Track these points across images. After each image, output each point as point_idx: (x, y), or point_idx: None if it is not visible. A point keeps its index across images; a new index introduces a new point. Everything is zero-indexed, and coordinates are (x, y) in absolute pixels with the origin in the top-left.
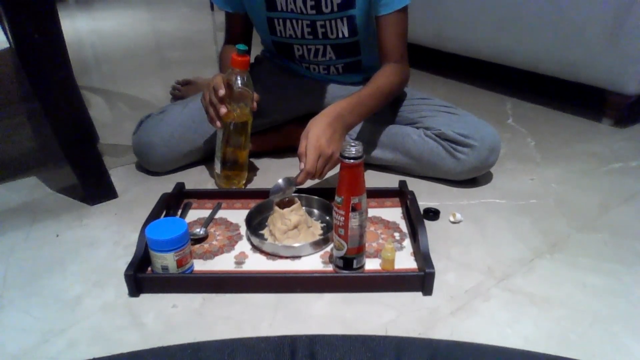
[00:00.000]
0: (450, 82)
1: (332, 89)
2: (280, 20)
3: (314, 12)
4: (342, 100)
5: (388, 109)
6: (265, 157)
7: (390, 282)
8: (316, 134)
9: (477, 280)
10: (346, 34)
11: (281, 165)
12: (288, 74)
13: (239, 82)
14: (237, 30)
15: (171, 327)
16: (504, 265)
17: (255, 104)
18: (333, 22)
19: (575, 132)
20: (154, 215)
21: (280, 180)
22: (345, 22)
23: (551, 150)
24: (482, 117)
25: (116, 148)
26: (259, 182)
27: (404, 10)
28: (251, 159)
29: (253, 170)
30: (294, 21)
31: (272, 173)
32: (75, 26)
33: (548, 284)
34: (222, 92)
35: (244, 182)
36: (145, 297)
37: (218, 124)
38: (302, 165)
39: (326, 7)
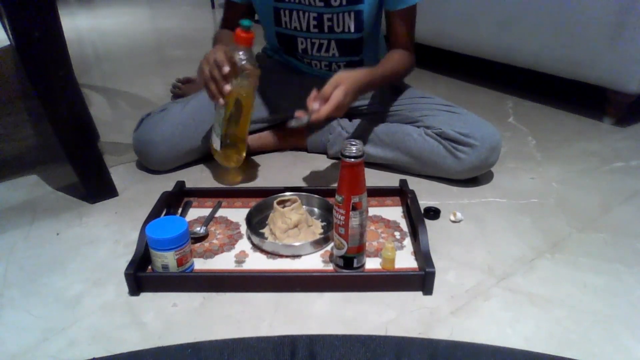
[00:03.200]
0: (451, 81)
1: None
2: (287, 11)
3: (322, 4)
4: (363, 70)
5: (388, 108)
6: (266, 155)
7: (391, 281)
8: (344, 92)
9: (478, 280)
10: (352, 29)
11: (282, 164)
12: (290, 72)
13: (244, 59)
14: (235, 21)
15: (171, 326)
16: (504, 265)
17: (257, 81)
18: (340, 15)
19: (576, 131)
20: (154, 214)
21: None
22: (352, 16)
23: (552, 149)
24: (483, 116)
25: (117, 146)
26: (259, 181)
27: (415, 4)
28: (252, 157)
29: (253, 168)
30: (301, 13)
31: (272, 171)
32: (75, 24)
33: (549, 283)
34: (226, 69)
35: (242, 158)
36: (145, 296)
37: (221, 100)
38: (316, 106)
39: (335, 0)
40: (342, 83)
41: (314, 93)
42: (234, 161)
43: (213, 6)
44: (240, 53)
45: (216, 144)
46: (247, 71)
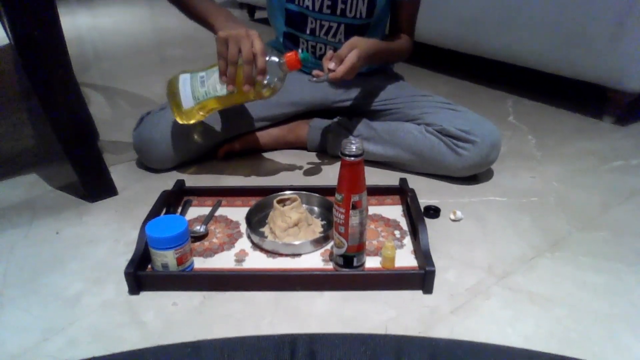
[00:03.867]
0: (451, 80)
1: (333, 87)
2: None
3: None
4: (374, 40)
5: (389, 106)
6: (266, 154)
7: (391, 280)
8: (358, 54)
9: (478, 279)
10: (364, 14)
11: (282, 163)
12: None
13: (278, 76)
14: None
15: (171, 325)
16: (504, 264)
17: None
18: (354, 0)
19: (576, 130)
20: (154, 213)
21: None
22: (365, 2)
23: (552, 147)
24: (483, 114)
25: (116, 145)
26: (259, 180)
27: None
28: (253, 156)
29: (253, 167)
30: None
31: (272, 170)
32: (75, 23)
33: (549, 282)
34: (260, 78)
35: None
36: (145, 295)
37: (230, 87)
38: (332, 66)
39: None
40: (356, 46)
41: (329, 54)
42: (189, 120)
43: None
44: (279, 68)
45: (187, 103)
46: (272, 86)
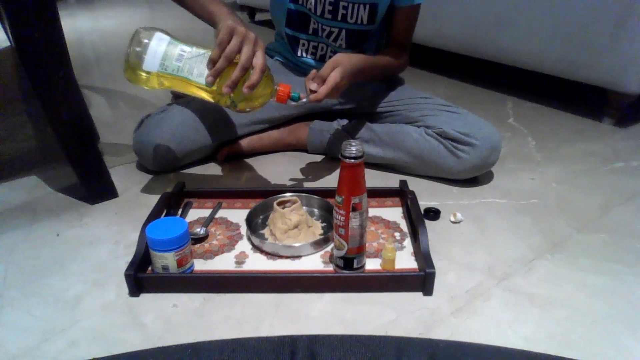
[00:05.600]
0: (451, 81)
1: None
2: None
3: None
4: (361, 56)
5: (388, 108)
6: (266, 156)
7: (391, 282)
8: (341, 74)
9: (478, 280)
10: (365, 21)
11: (282, 165)
12: (290, 73)
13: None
14: None
15: (171, 326)
16: (504, 265)
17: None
18: (356, 6)
19: (576, 132)
20: (154, 215)
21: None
22: (367, 9)
23: (552, 149)
24: (483, 117)
25: (117, 147)
26: (259, 182)
27: (420, 4)
28: (253, 158)
29: (254, 169)
30: None
31: (272, 172)
32: (75, 25)
33: (549, 284)
34: (246, 91)
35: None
36: (145, 297)
37: (210, 79)
38: (314, 87)
39: None
40: (340, 65)
41: (312, 73)
42: (136, 81)
43: None
44: (271, 99)
45: (150, 66)
46: (253, 108)
